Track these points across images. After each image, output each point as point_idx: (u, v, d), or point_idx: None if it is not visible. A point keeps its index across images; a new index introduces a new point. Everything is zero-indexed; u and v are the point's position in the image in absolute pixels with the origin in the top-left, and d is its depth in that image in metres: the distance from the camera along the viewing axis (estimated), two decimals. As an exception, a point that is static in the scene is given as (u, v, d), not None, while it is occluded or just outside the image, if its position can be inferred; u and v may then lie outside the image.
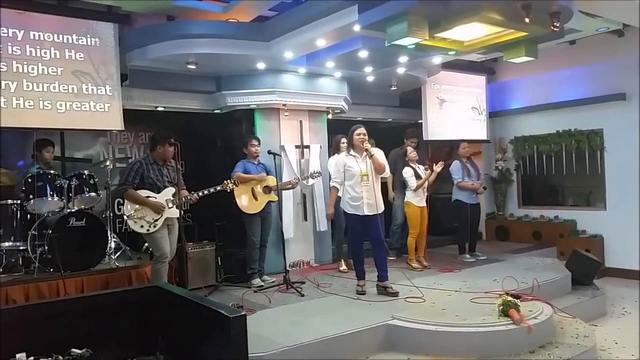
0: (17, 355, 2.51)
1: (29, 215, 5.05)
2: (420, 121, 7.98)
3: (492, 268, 6.13)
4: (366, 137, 4.91)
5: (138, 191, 4.60)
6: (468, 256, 6.75)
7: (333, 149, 6.21)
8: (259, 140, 5.86)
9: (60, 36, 5.28)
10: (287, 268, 5.55)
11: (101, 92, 5.46)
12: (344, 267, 6.19)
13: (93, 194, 5.34)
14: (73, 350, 2.70)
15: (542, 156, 8.36)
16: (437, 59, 6.38)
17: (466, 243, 6.84)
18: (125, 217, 4.66)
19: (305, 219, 6.70)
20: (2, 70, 4.91)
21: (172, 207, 4.68)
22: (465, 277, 5.64)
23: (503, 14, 4.40)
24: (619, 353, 4.43)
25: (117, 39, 5.59)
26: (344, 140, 5.67)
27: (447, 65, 7.39)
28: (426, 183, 6.15)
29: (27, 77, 5.05)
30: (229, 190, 5.11)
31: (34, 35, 5.12)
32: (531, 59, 5.35)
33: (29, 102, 5.05)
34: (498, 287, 4.86)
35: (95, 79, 5.45)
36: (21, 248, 4.95)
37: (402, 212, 6.67)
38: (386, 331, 3.97)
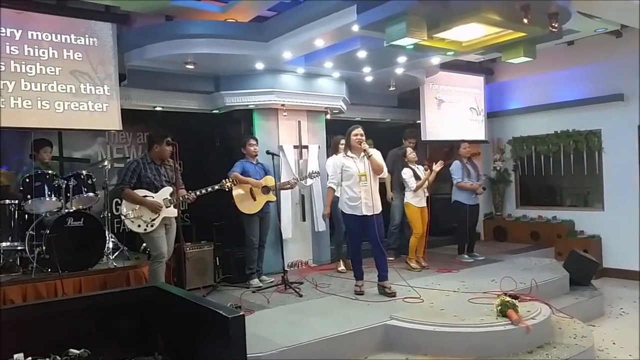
0: (15, 356, 2.50)
1: (26, 215, 5.04)
2: (418, 121, 7.99)
3: (490, 268, 6.13)
4: (363, 138, 4.89)
5: (135, 191, 4.60)
6: (466, 256, 6.75)
7: (332, 149, 6.20)
8: (257, 140, 5.85)
9: (59, 36, 5.27)
10: (286, 268, 5.55)
11: (99, 92, 5.45)
12: (342, 267, 6.19)
13: (91, 194, 5.32)
14: (71, 350, 2.68)
15: (540, 156, 8.38)
16: (436, 60, 6.39)
17: (465, 244, 6.85)
18: (122, 216, 4.66)
19: (304, 219, 6.71)
20: (0, 70, 4.90)
21: (170, 206, 4.68)
22: (463, 277, 5.65)
23: (502, 15, 4.40)
24: (616, 353, 4.43)
25: (116, 38, 5.58)
26: (342, 141, 5.67)
27: (446, 66, 7.40)
28: (426, 183, 6.15)
29: (25, 76, 5.04)
30: (227, 189, 5.11)
31: (32, 35, 5.11)
32: (529, 59, 5.36)
33: (27, 102, 5.04)
34: (496, 288, 4.87)
35: (94, 79, 5.44)
36: (19, 248, 4.93)
37: (400, 212, 6.68)
38: (384, 331, 3.97)
